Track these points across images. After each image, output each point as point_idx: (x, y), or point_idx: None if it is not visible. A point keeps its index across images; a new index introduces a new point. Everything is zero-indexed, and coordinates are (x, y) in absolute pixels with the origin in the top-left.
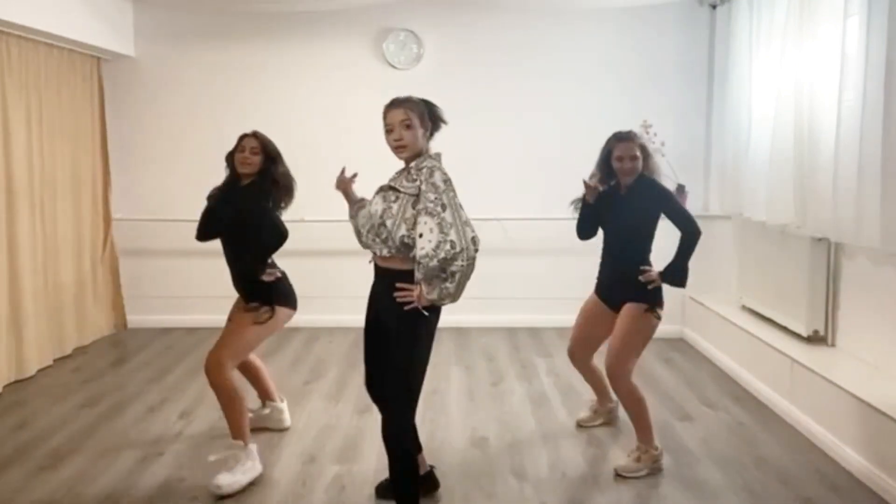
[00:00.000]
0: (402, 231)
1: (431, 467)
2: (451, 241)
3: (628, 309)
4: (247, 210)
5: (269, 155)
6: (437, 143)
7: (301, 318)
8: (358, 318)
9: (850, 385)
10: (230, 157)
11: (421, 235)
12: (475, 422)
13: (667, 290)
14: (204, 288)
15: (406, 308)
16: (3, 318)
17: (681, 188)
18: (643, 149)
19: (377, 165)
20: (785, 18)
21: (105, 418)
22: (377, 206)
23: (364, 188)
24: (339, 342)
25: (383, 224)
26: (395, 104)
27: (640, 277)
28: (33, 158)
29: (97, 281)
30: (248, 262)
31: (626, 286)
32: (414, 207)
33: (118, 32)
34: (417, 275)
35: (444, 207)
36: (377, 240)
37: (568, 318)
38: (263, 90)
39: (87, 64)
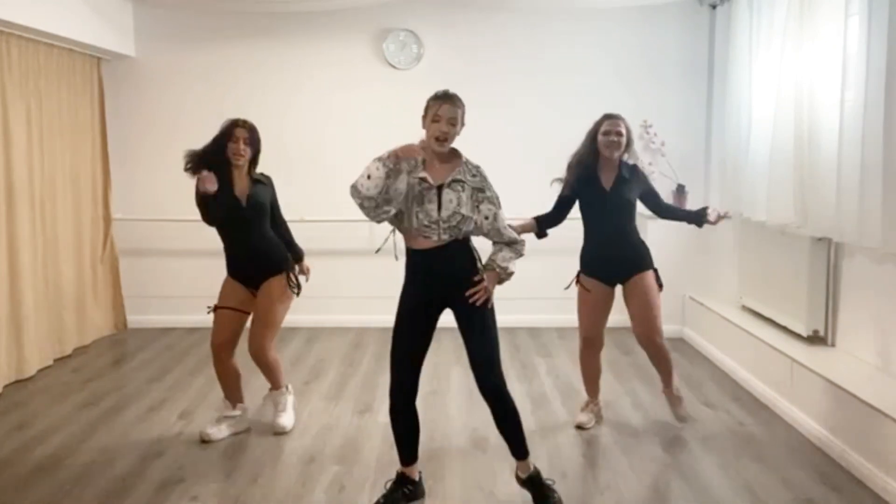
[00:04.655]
0: (469, 218)
1: (420, 474)
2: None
3: (645, 278)
4: (273, 198)
5: (257, 147)
6: None
7: (301, 318)
8: (357, 319)
9: (850, 385)
10: (218, 146)
11: (509, 225)
12: (475, 422)
13: (666, 289)
14: (204, 288)
15: (479, 302)
16: (3, 318)
17: (681, 188)
18: (628, 131)
19: None
20: (785, 18)
21: (105, 418)
22: (451, 197)
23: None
24: (338, 342)
25: (457, 213)
26: (449, 99)
27: (711, 217)
28: (33, 158)
29: (97, 281)
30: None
31: (634, 259)
32: (473, 198)
33: (118, 32)
34: (508, 254)
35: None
36: (443, 227)
37: (568, 317)
38: (263, 90)
39: (87, 64)
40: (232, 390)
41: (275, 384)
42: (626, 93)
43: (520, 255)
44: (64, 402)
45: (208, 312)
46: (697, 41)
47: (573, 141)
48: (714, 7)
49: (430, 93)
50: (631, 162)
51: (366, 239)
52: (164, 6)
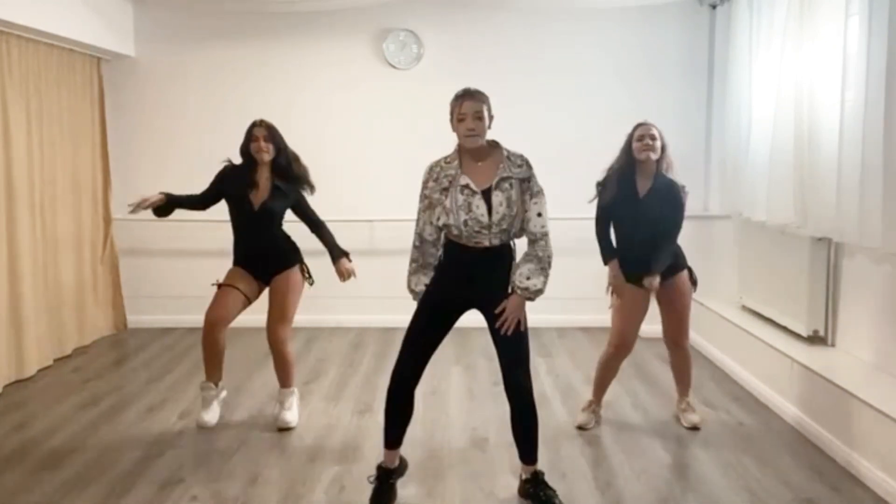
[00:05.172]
0: (520, 214)
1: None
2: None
3: (681, 280)
4: (296, 203)
5: (278, 143)
6: (436, 143)
7: (301, 317)
8: (358, 319)
9: (850, 385)
10: (246, 149)
11: (540, 214)
12: (475, 422)
13: None
14: (204, 288)
15: (510, 332)
16: (3, 318)
17: (681, 188)
18: (662, 135)
19: (379, 164)
20: (785, 18)
21: (105, 418)
22: (500, 199)
23: (369, 186)
24: (338, 342)
25: (507, 215)
26: (470, 96)
27: (645, 283)
28: (33, 158)
29: (97, 281)
30: (323, 229)
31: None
32: (522, 188)
33: (118, 32)
34: (527, 271)
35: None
36: (493, 232)
37: (567, 318)
38: (263, 90)
39: (87, 64)
40: (215, 367)
41: (285, 382)
42: (626, 93)
43: (544, 269)
44: (64, 402)
45: (213, 284)
46: (697, 41)
47: (573, 141)
48: (714, 7)
49: (431, 92)
50: (669, 174)
51: (366, 239)
52: (164, 6)
